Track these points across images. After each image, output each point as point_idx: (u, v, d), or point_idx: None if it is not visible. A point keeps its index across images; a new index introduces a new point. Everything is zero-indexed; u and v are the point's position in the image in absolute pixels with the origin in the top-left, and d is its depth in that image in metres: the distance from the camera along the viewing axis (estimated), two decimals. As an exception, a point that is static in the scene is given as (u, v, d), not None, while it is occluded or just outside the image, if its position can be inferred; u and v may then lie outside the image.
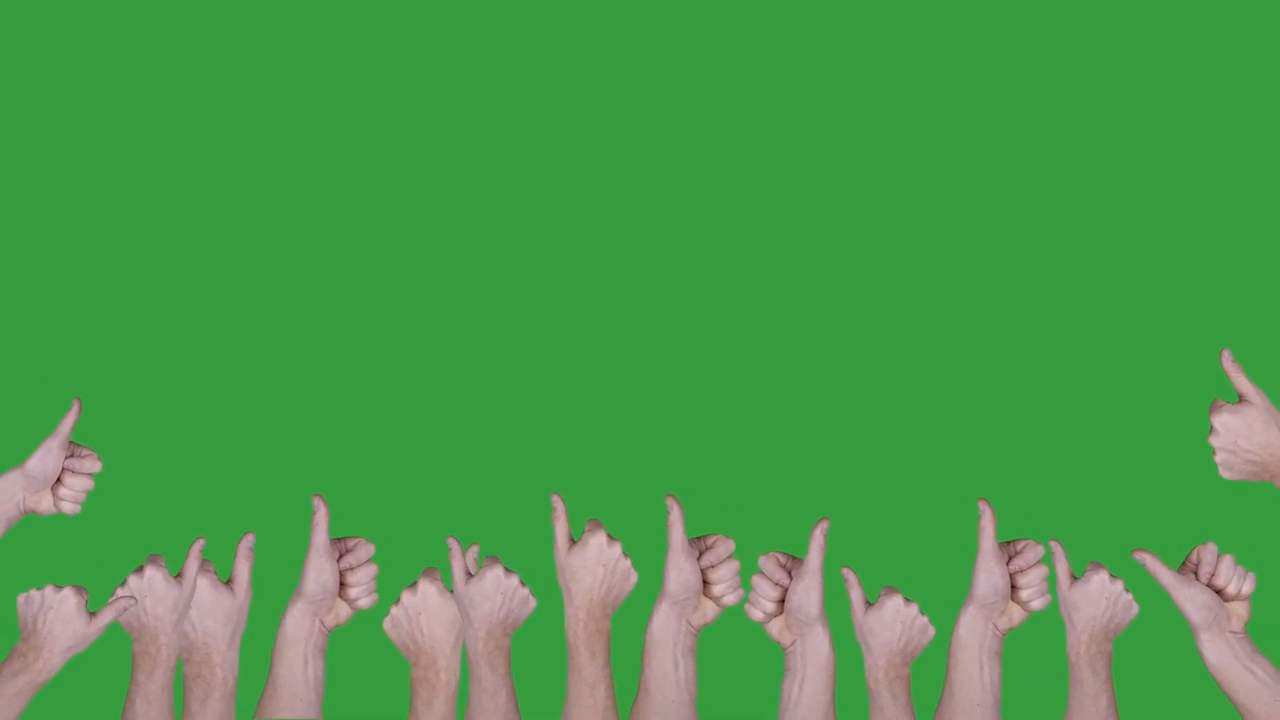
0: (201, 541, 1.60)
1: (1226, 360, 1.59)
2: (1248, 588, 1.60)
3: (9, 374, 1.79)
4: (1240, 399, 1.59)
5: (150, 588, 1.59)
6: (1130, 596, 1.62)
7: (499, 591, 1.62)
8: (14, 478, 1.58)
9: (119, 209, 1.85)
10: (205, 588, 1.61)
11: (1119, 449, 1.80)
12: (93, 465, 1.60)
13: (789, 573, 1.62)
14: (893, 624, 1.62)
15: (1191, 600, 1.58)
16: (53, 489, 1.59)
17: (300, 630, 1.63)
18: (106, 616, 1.56)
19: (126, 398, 1.80)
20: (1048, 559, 1.64)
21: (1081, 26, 1.87)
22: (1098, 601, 1.61)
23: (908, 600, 1.62)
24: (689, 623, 1.62)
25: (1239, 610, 1.59)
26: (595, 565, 1.62)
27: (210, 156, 1.86)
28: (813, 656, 1.61)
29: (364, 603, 1.64)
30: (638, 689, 1.63)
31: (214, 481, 1.78)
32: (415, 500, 1.79)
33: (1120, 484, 1.78)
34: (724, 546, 1.63)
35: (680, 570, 1.61)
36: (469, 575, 1.62)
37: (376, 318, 1.84)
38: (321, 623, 1.63)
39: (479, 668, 1.62)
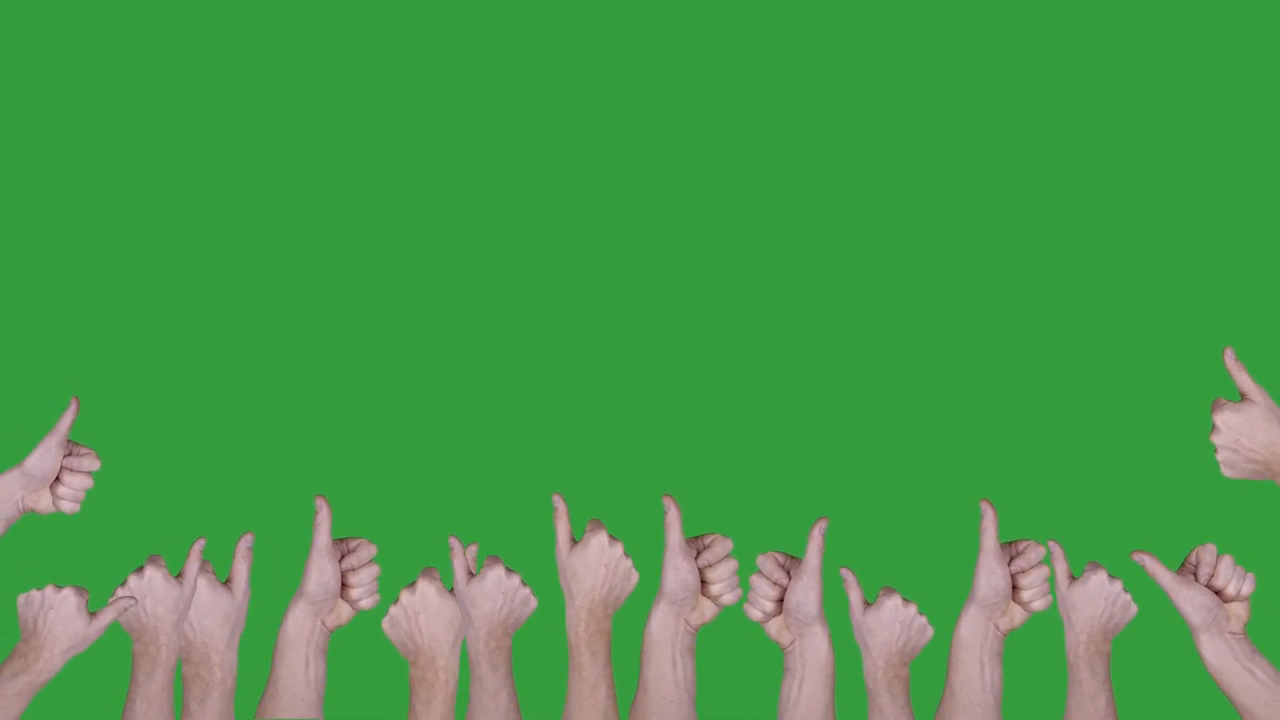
0: (202, 541, 1.60)
1: (1229, 359, 1.59)
2: (1247, 588, 1.59)
3: (8, 374, 1.79)
4: (1242, 397, 1.59)
5: (150, 588, 1.59)
6: (1129, 597, 1.62)
7: (500, 591, 1.62)
8: (12, 477, 1.58)
9: (118, 208, 1.85)
10: (203, 588, 1.61)
11: (1119, 449, 1.80)
12: (91, 464, 1.60)
13: (787, 572, 1.62)
14: (891, 624, 1.61)
15: (1191, 601, 1.58)
16: (51, 488, 1.59)
17: (302, 631, 1.63)
18: (107, 617, 1.56)
19: (126, 397, 1.80)
20: (1048, 559, 1.63)
21: (1082, 26, 1.87)
22: (1096, 602, 1.61)
23: (906, 600, 1.62)
24: (687, 622, 1.62)
25: (1238, 611, 1.59)
26: (597, 565, 1.62)
27: (210, 155, 1.86)
28: (812, 656, 1.61)
29: (366, 603, 1.64)
30: (636, 689, 1.63)
31: (214, 481, 1.78)
32: (417, 501, 1.79)
33: (1120, 484, 1.78)
34: (721, 546, 1.63)
35: (678, 570, 1.61)
36: (470, 575, 1.62)
37: (377, 318, 1.84)
38: (323, 623, 1.63)
39: (480, 667, 1.62)
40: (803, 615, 1.60)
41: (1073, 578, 1.62)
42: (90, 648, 1.57)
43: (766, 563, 1.62)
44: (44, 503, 1.59)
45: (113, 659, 1.63)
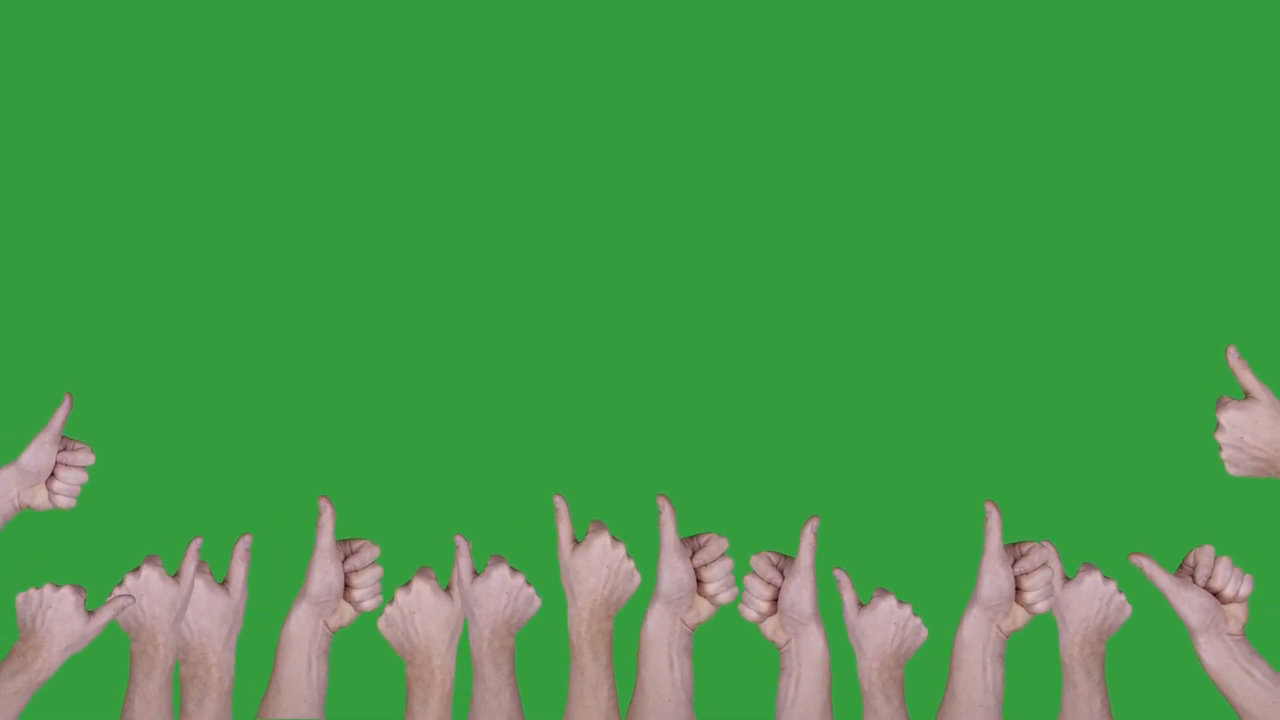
0: (199, 541, 1.60)
1: (1232, 357, 1.59)
2: (1245, 590, 1.59)
3: (2, 371, 1.80)
4: (1246, 395, 1.59)
5: (147, 587, 1.59)
6: (1123, 598, 1.62)
7: (504, 591, 1.62)
8: (8, 473, 1.59)
9: (116, 207, 1.86)
10: (201, 588, 1.61)
11: (1118, 449, 1.79)
12: (85, 458, 1.61)
13: (781, 572, 1.61)
14: (885, 625, 1.61)
15: (1189, 603, 1.58)
16: (46, 483, 1.60)
17: (304, 631, 1.63)
18: (105, 615, 1.56)
19: (125, 396, 1.81)
20: (1049, 561, 1.63)
21: (1082, 26, 1.86)
22: (1091, 603, 1.61)
23: (900, 601, 1.61)
24: (683, 622, 1.62)
25: (1236, 612, 1.59)
26: (599, 566, 1.62)
27: (209, 155, 1.87)
28: (807, 655, 1.61)
29: (368, 605, 1.64)
30: (634, 689, 1.62)
31: (213, 481, 1.79)
32: (419, 502, 1.79)
33: (1119, 484, 1.78)
34: (716, 545, 1.62)
35: (673, 569, 1.60)
36: (474, 574, 1.62)
37: (379, 319, 1.85)
38: (325, 624, 1.63)
39: (483, 666, 1.62)
40: (797, 614, 1.60)
41: (1067, 578, 1.62)
42: (88, 647, 1.57)
43: (760, 562, 1.62)
44: (39, 499, 1.60)
45: (111, 659, 1.63)
